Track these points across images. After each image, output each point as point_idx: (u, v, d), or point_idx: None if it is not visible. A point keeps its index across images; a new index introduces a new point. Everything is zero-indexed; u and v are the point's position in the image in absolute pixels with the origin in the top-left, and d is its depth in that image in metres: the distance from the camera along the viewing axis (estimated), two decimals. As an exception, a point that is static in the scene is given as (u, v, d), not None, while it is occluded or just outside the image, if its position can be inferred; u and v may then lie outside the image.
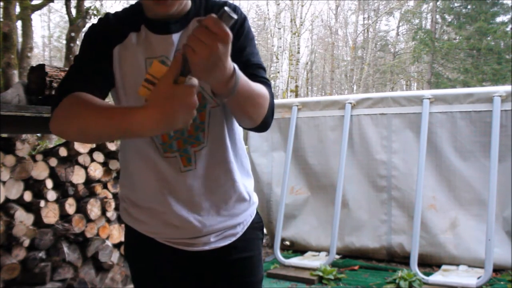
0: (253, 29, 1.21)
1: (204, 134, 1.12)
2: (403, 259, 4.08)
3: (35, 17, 24.93)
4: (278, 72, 19.34)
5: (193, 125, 1.11)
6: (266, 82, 1.11)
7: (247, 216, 1.23)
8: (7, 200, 2.54)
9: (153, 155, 1.12)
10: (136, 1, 1.16)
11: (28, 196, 2.62)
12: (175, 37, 1.09)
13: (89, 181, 2.93)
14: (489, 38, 17.89)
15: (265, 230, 5.03)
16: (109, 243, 2.95)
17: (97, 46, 1.09)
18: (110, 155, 3.06)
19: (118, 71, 1.09)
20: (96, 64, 1.07)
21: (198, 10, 1.12)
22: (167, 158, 1.12)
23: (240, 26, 1.13)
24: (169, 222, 1.14)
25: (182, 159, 1.12)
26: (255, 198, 1.27)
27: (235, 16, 0.79)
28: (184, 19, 1.10)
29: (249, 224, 1.24)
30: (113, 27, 1.10)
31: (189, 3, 1.12)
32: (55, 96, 1.05)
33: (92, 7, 8.74)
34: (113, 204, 3.00)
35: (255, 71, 1.11)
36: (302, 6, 19.44)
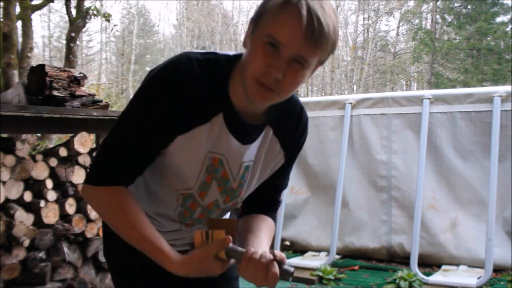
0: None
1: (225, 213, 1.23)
2: (403, 259, 4.08)
3: (35, 17, 24.94)
4: (278, 72, 19.29)
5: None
6: (277, 208, 1.24)
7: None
8: (7, 200, 2.54)
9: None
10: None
11: (28, 196, 2.62)
12: (245, 148, 1.06)
13: (89, 181, 2.93)
14: (489, 38, 17.87)
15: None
16: (109, 243, 2.95)
17: (164, 127, 0.97)
18: (110, 155, 3.06)
19: (172, 153, 1.02)
20: (153, 149, 1.00)
21: (273, 119, 1.07)
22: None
23: (302, 137, 1.16)
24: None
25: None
26: None
27: (290, 280, 0.96)
28: (261, 128, 1.06)
29: None
30: (189, 108, 0.96)
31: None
32: (99, 167, 1.01)
33: (92, 7, 8.72)
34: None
35: (276, 195, 1.23)
36: (302, 6, 19.40)
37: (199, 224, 1.18)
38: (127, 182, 1.02)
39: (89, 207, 2.83)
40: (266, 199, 1.21)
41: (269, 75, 0.89)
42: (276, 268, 0.93)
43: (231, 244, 0.96)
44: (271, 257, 0.93)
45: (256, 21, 0.92)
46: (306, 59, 0.89)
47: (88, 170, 1.08)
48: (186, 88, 0.95)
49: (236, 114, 1.00)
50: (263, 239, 1.07)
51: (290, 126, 1.10)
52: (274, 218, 1.23)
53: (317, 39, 0.86)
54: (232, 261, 0.99)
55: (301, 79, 0.92)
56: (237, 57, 1.01)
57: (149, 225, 1.01)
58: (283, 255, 0.95)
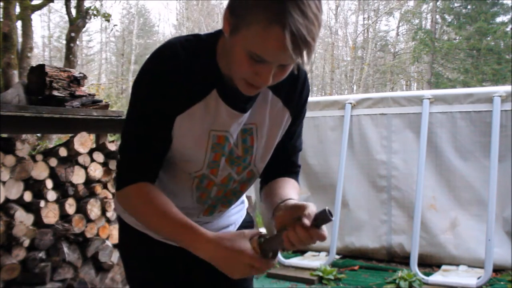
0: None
1: (237, 197, 1.22)
2: (403, 259, 4.08)
3: (35, 17, 24.92)
4: (278, 72, 19.26)
5: (231, 191, 1.17)
6: (298, 172, 1.21)
7: (238, 217, 1.30)
8: (7, 200, 2.54)
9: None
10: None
11: (28, 196, 2.62)
12: (245, 116, 1.06)
13: (89, 181, 2.93)
14: (489, 38, 17.87)
15: (265, 231, 5.04)
16: (109, 243, 2.95)
17: (161, 112, 1.00)
18: (110, 155, 3.06)
19: (176, 138, 1.05)
20: (160, 136, 1.03)
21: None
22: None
23: (304, 92, 1.13)
24: None
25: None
26: (245, 200, 1.35)
27: (332, 218, 0.91)
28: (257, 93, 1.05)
29: (240, 224, 1.30)
30: (180, 89, 0.99)
31: None
32: (121, 171, 1.06)
33: (92, 7, 8.72)
34: (113, 204, 2.99)
35: (294, 157, 1.20)
36: (302, 6, 19.36)
37: (218, 205, 1.18)
38: (149, 177, 1.05)
39: (88, 207, 2.84)
40: (281, 163, 1.18)
41: (257, 80, 0.92)
42: (313, 231, 0.93)
43: (262, 238, 0.97)
44: (305, 231, 0.94)
45: (237, 25, 0.89)
46: (292, 63, 0.93)
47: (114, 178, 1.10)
48: (174, 73, 0.98)
49: (230, 87, 1.01)
50: (289, 193, 1.07)
51: (288, 82, 1.09)
52: (296, 180, 1.20)
53: (303, 53, 0.87)
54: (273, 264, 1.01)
55: (288, 72, 0.96)
56: (220, 32, 1.02)
57: (179, 212, 1.02)
58: (305, 222, 0.93)
